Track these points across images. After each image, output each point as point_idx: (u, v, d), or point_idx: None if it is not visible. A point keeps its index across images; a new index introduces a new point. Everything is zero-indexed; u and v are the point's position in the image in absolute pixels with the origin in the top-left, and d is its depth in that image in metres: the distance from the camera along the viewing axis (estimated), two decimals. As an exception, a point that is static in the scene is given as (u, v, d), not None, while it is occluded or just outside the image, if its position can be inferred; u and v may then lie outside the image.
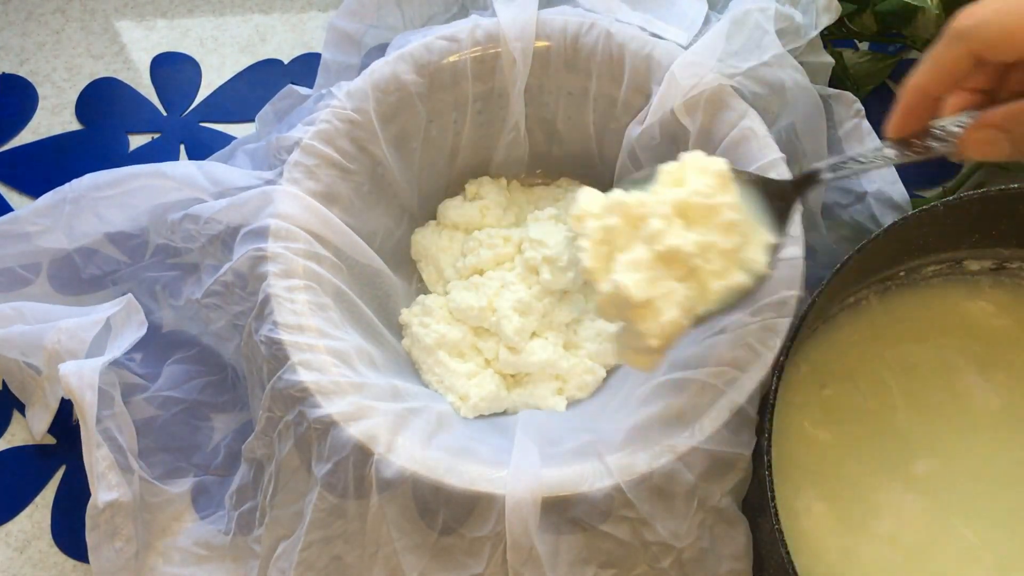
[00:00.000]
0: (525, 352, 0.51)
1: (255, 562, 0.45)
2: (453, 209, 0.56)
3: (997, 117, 0.37)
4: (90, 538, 0.46)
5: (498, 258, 0.53)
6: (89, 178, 0.51)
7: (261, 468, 0.46)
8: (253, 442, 0.46)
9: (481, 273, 0.54)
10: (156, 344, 0.52)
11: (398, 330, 0.53)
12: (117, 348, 0.48)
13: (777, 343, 0.42)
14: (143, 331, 0.49)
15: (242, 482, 0.47)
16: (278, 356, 0.43)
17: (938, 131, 0.38)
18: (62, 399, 0.50)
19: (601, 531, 0.39)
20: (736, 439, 0.41)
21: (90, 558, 0.46)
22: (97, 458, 0.46)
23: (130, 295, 0.50)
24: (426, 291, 0.55)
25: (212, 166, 0.51)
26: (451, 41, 0.51)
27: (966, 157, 0.38)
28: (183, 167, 0.51)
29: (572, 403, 0.51)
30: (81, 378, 0.46)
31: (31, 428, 0.52)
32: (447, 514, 0.40)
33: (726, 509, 0.41)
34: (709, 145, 0.48)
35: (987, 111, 0.37)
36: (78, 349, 0.48)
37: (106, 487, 0.46)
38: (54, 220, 0.52)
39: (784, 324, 0.42)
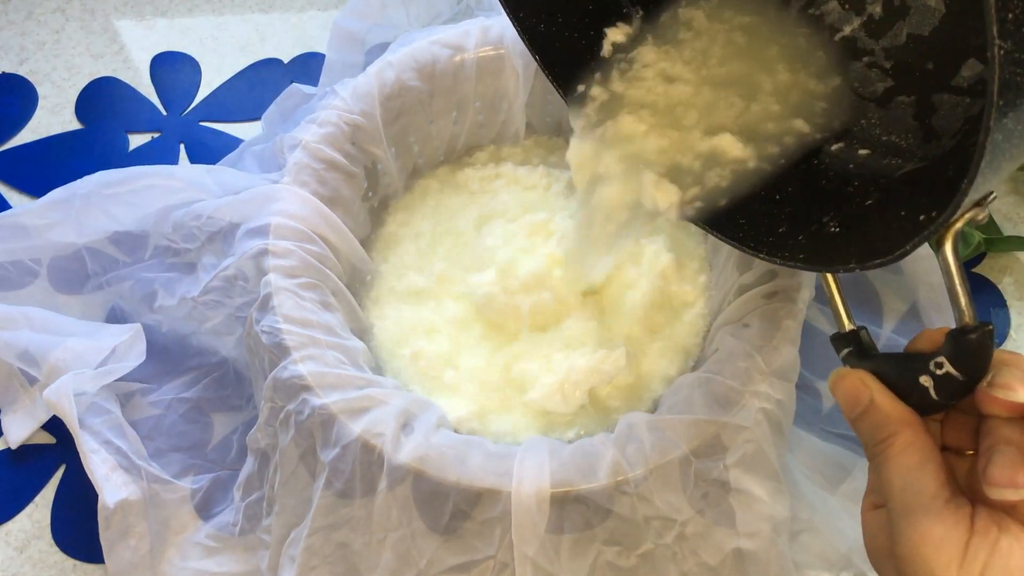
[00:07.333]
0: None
1: (265, 552, 0.45)
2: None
3: None
4: (104, 538, 0.46)
5: None
6: (99, 175, 0.51)
7: (266, 458, 0.46)
8: (257, 433, 0.45)
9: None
10: (156, 344, 0.52)
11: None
12: (108, 373, 0.48)
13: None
14: (141, 360, 0.50)
15: (249, 473, 0.47)
16: (281, 347, 0.43)
17: None
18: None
19: (604, 508, 0.39)
20: (729, 412, 0.40)
21: (105, 558, 0.46)
22: (96, 462, 0.46)
23: (138, 324, 0.50)
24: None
25: (222, 171, 0.51)
26: (455, 45, 0.51)
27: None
28: (193, 170, 0.51)
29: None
30: (58, 390, 0.46)
31: (7, 435, 0.51)
32: (456, 499, 0.40)
33: (731, 483, 0.40)
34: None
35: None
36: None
37: (112, 488, 0.46)
38: (63, 215, 0.51)
39: None
